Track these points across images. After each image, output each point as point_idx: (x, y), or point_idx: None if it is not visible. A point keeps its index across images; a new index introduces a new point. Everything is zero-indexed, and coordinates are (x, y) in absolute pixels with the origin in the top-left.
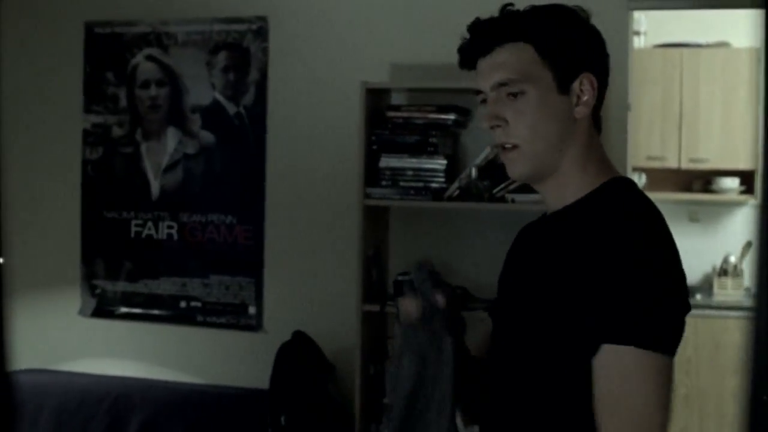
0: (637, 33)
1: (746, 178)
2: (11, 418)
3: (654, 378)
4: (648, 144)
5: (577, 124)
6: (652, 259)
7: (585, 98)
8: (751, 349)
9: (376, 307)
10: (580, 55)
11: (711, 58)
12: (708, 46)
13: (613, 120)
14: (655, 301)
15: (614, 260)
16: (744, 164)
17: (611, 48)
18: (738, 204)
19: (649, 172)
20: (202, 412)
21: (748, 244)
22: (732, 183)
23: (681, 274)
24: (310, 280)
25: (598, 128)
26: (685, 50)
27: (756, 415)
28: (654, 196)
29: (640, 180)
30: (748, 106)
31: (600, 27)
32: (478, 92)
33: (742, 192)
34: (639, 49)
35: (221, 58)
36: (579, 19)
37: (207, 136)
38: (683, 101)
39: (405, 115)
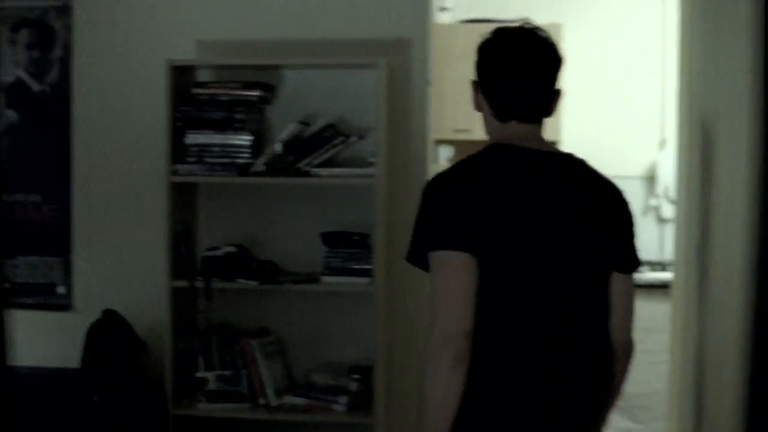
0: (444, 9)
1: None
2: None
3: (435, 270)
4: (454, 117)
5: (485, 118)
6: (425, 195)
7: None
8: (750, 351)
9: (185, 283)
10: (475, 68)
11: None
12: (511, 22)
13: (414, 95)
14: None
15: None
16: (546, 135)
17: (412, 26)
18: None
19: (457, 144)
20: (13, 394)
21: None
22: None
23: (446, 208)
24: (119, 258)
25: (502, 118)
26: (488, 26)
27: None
28: None
29: (447, 152)
30: None
31: (401, 5)
32: None
33: None
34: (445, 24)
35: (23, 35)
36: (485, 38)
37: (10, 115)
38: None
39: (210, 91)
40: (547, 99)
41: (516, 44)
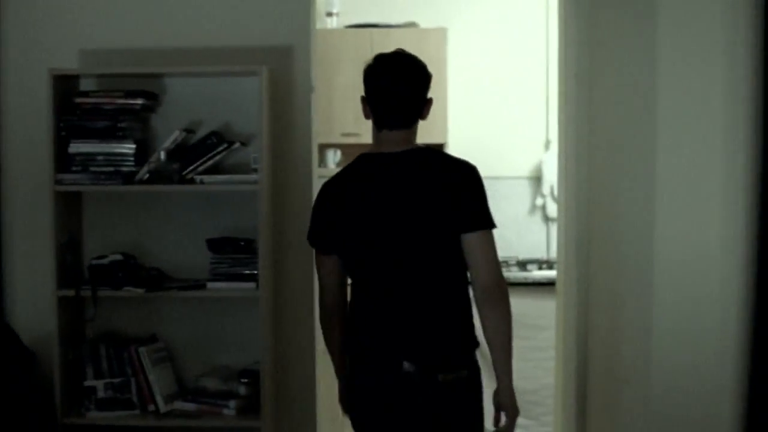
0: (330, 14)
1: None
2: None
3: (315, 261)
4: (342, 121)
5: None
6: (315, 200)
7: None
8: (748, 352)
9: (71, 292)
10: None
11: (400, 37)
12: (397, 26)
13: (298, 101)
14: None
15: None
16: (434, 138)
17: (295, 33)
18: None
19: (345, 148)
20: None
21: None
22: None
23: (318, 217)
24: (5, 269)
25: (378, 127)
26: (374, 30)
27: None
28: None
29: (335, 156)
30: (436, 83)
31: (284, 13)
32: None
33: None
34: (332, 29)
35: None
36: (368, 63)
37: None
38: None
39: (93, 100)
40: (414, 110)
41: (386, 69)
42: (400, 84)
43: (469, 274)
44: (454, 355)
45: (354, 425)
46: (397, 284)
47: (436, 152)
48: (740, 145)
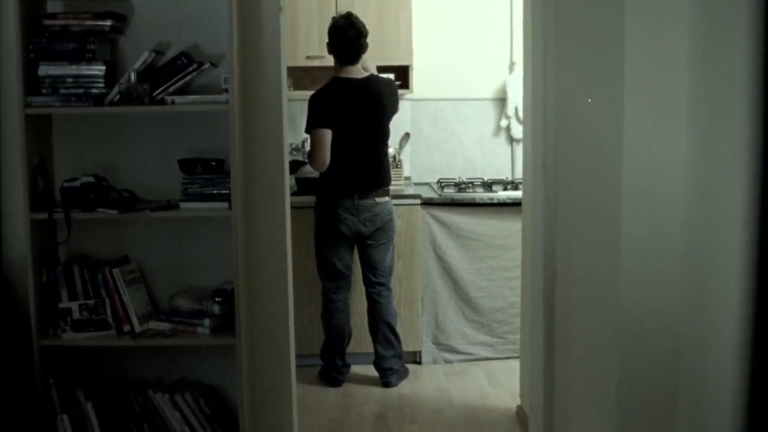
0: None
1: (401, 74)
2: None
3: (314, 134)
4: (307, 44)
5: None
6: (310, 100)
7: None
8: (750, 351)
9: (44, 215)
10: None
11: None
12: None
13: (267, 21)
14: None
15: None
16: (400, 60)
17: None
18: None
19: (309, 71)
20: None
21: (406, 135)
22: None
23: (320, 109)
24: None
25: (341, 63)
26: None
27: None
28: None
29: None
30: (401, 6)
31: None
32: None
33: (398, 87)
34: None
35: None
36: (331, 25)
37: None
38: (338, 2)
39: (62, 22)
40: (360, 52)
41: (341, 29)
42: (353, 38)
43: None
44: (381, 187)
45: (321, 236)
46: (358, 149)
47: (381, 78)
48: (708, 66)
